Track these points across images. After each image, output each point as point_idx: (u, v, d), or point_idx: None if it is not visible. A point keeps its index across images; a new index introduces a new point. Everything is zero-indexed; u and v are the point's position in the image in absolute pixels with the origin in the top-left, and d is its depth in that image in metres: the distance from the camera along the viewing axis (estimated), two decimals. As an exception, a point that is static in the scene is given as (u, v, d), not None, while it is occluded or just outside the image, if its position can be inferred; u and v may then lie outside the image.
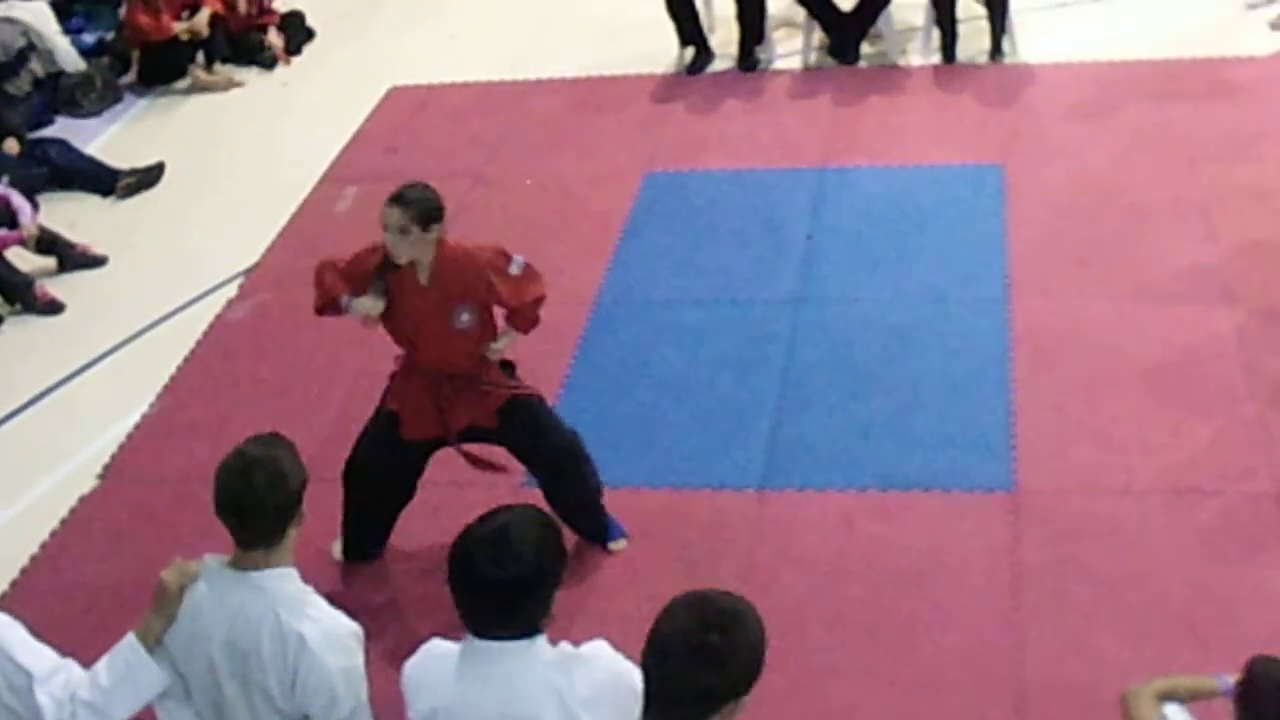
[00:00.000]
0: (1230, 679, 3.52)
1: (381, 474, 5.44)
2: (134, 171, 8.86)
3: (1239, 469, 5.64)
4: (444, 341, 5.20)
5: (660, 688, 2.68)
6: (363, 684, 3.42)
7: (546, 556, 3.10)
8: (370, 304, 5.18)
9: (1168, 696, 3.67)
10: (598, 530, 5.62)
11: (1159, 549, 5.34)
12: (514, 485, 5.92)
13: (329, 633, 3.38)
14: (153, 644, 3.44)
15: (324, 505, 5.89)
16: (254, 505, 3.35)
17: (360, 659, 3.42)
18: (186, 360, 7.04)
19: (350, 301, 5.20)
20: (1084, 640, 5.00)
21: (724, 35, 9.52)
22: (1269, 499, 5.49)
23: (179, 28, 10.09)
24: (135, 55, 10.26)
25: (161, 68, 10.19)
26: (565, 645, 3.18)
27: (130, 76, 10.32)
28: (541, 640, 3.09)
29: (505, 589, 3.05)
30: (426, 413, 5.32)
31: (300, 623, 3.36)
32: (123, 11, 10.35)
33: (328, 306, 5.28)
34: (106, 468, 6.40)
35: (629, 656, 3.03)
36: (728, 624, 2.68)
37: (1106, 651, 4.92)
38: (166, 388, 6.86)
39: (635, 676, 2.80)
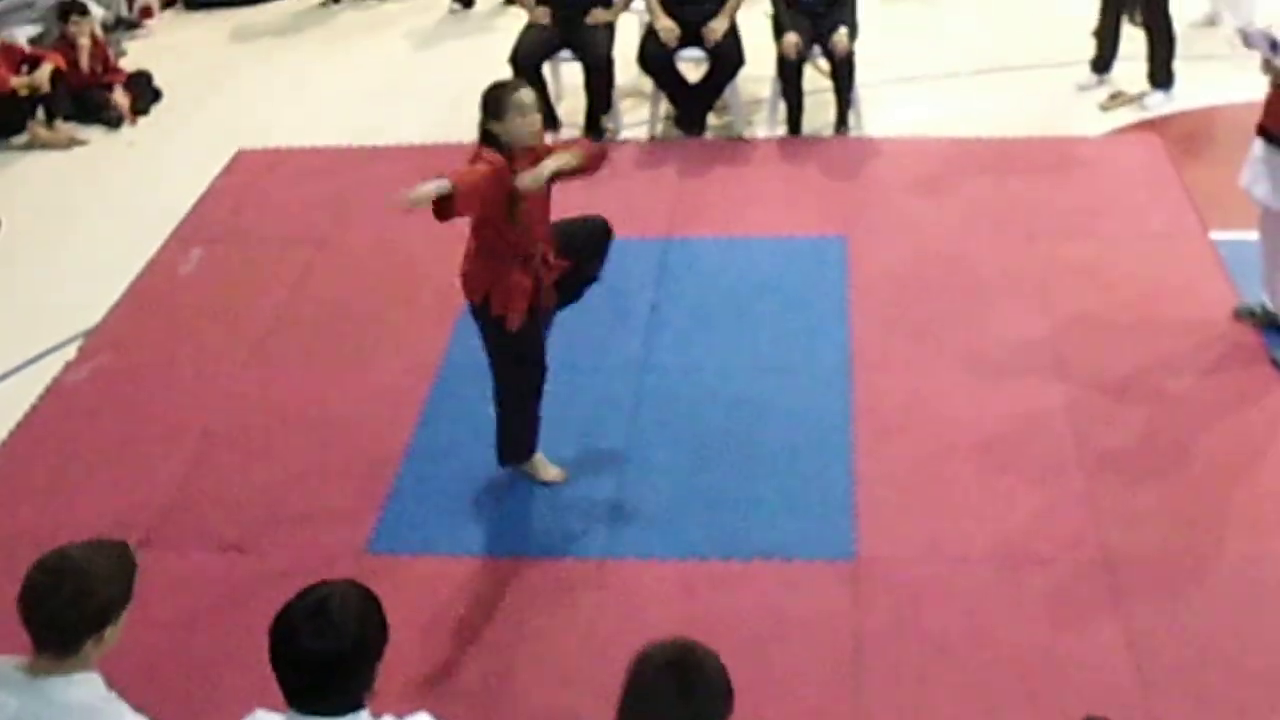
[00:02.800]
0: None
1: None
2: (-34, 228, 8.68)
3: (1069, 536, 5.78)
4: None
5: None
6: None
7: (368, 628, 3.12)
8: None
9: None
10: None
11: (995, 614, 5.43)
12: (356, 548, 5.89)
13: None
14: None
15: (167, 571, 5.82)
16: (52, 609, 3.19)
17: None
18: (20, 425, 6.87)
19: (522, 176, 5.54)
20: (923, 705, 5.05)
21: (571, 104, 9.59)
22: (1096, 565, 5.62)
23: (17, 82, 9.91)
24: (-31, 108, 10.07)
25: (-3, 122, 10.02)
26: (389, 718, 3.17)
27: (-38, 130, 10.13)
28: (364, 715, 3.08)
29: (327, 662, 3.06)
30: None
31: None
32: (-42, 64, 10.18)
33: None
34: (-67, 534, 6.23)
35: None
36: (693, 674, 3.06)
37: (944, 716, 4.99)
38: (-2, 452, 6.71)
39: None
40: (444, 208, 5.35)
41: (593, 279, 6.28)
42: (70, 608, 3.20)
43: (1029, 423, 6.47)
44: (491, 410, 6.08)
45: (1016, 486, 6.09)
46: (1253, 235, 7.04)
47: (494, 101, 5.63)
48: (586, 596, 5.63)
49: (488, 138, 5.67)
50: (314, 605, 3.10)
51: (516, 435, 6.11)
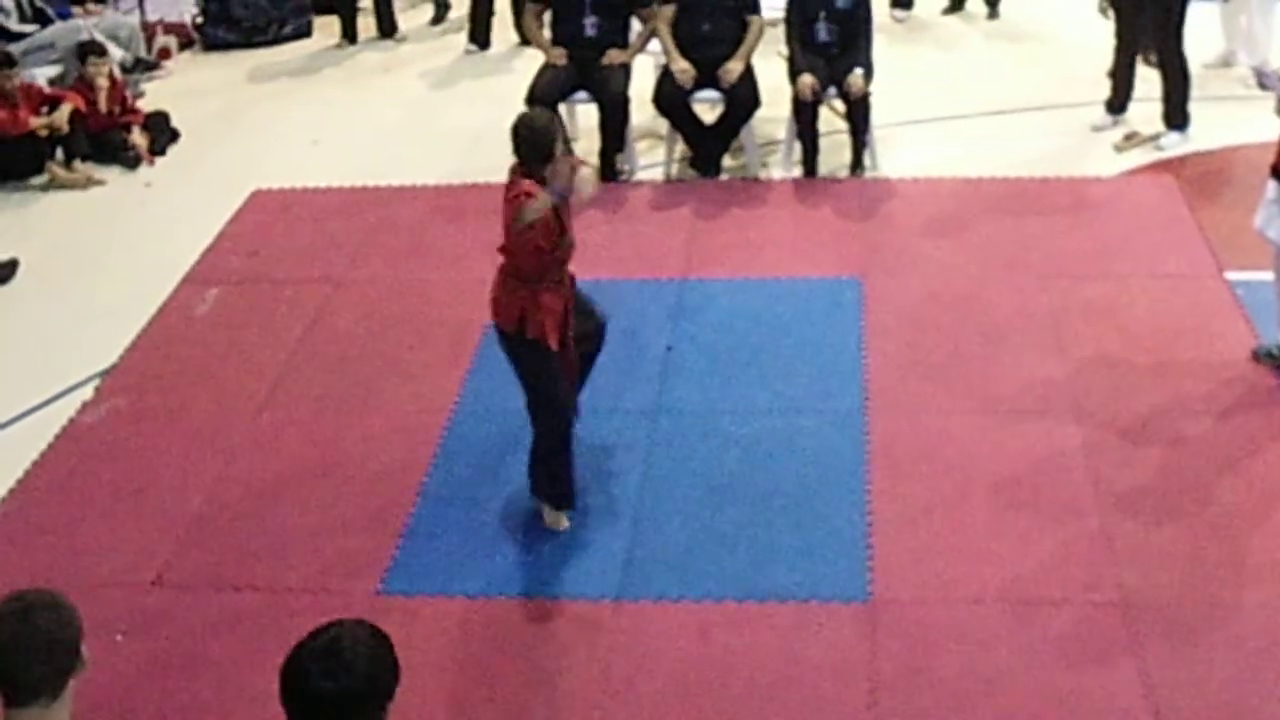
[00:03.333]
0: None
1: None
2: (-15, 267, 8.70)
3: (1085, 579, 5.75)
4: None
5: None
6: None
7: (380, 669, 3.12)
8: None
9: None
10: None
11: (1010, 658, 5.40)
12: (370, 589, 5.88)
13: None
14: None
15: (179, 611, 5.83)
16: (39, 649, 3.09)
17: None
18: (35, 464, 6.88)
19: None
20: (936, 751, 5.04)
21: (586, 145, 9.61)
22: (1113, 608, 5.59)
23: (37, 123, 9.97)
24: (-11, 149, 10.11)
25: (17, 163, 10.01)
26: None
27: (-17, 171, 10.17)
28: None
29: (337, 702, 3.05)
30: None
31: None
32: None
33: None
34: (-53, 574, 6.23)
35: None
36: None
37: (958, 762, 4.97)
38: (12, 492, 6.69)
39: None
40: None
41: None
42: (60, 638, 3.13)
43: (1045, 464, 6.45)
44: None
45: (1032, 528, 6.06)
46: (1269, 276, 7.02)
47: (551, 131, 5.72)
48: (601, 638, 5.61)
49: (534, 166, 5.72)
50: (325, 645, 3.10)
51: (559, 476, 6.14)
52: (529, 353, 5.89)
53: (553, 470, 6.13)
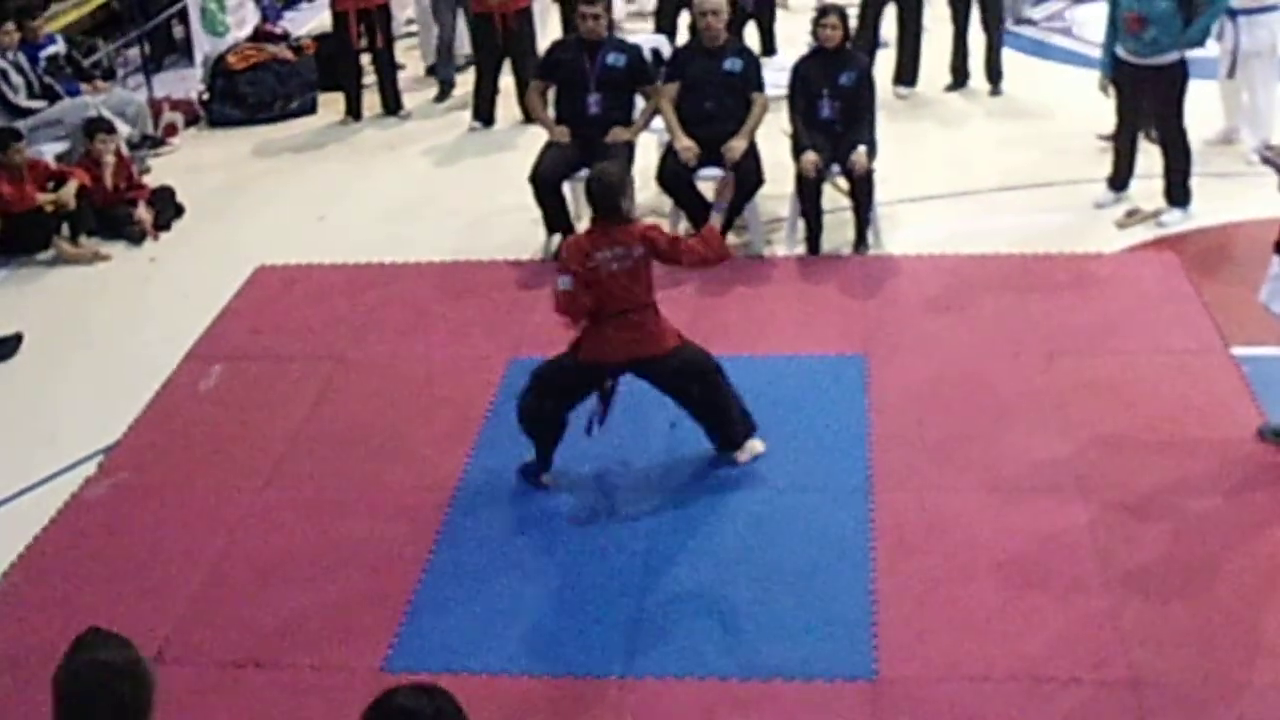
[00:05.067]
0: None
1: None
2: (-11, 342, 8.71)
3: (1093, 657, 5.71)
4: None
5: None
6: None
7: None
8: None
9: None
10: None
11: (1018, 739, 5.37)
12: (373, 666, 5.84)
13: None
14: None
15: (182, 686, 5.78)
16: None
17: None
18: (38, 539, 6.86)
19: None
20: (944, 833, 4.99)
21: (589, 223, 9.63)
22: (1123, 687, 5.55)
23: (43, 198, 10.01)
24: (-4, 224, 10.14)
25: (23, 238, 10.06)
26: None
27: (-10, 246, 10.20)
28: None
29: None
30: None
31: None
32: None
33: None
34: (-52, 651, 6.19)
35: None
36: None
37: (966, 844, 4.92)
38: (14, 566, 6.67)
39: None
40: None
41: None
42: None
43: (1051, 541, 6.42)
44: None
45: (1039, 606, 6.03)
46: (1275, 351, 7.02)
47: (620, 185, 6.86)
48: (605, 717, 5.57)
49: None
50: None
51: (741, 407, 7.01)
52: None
53: (738, 406, 6.98)
